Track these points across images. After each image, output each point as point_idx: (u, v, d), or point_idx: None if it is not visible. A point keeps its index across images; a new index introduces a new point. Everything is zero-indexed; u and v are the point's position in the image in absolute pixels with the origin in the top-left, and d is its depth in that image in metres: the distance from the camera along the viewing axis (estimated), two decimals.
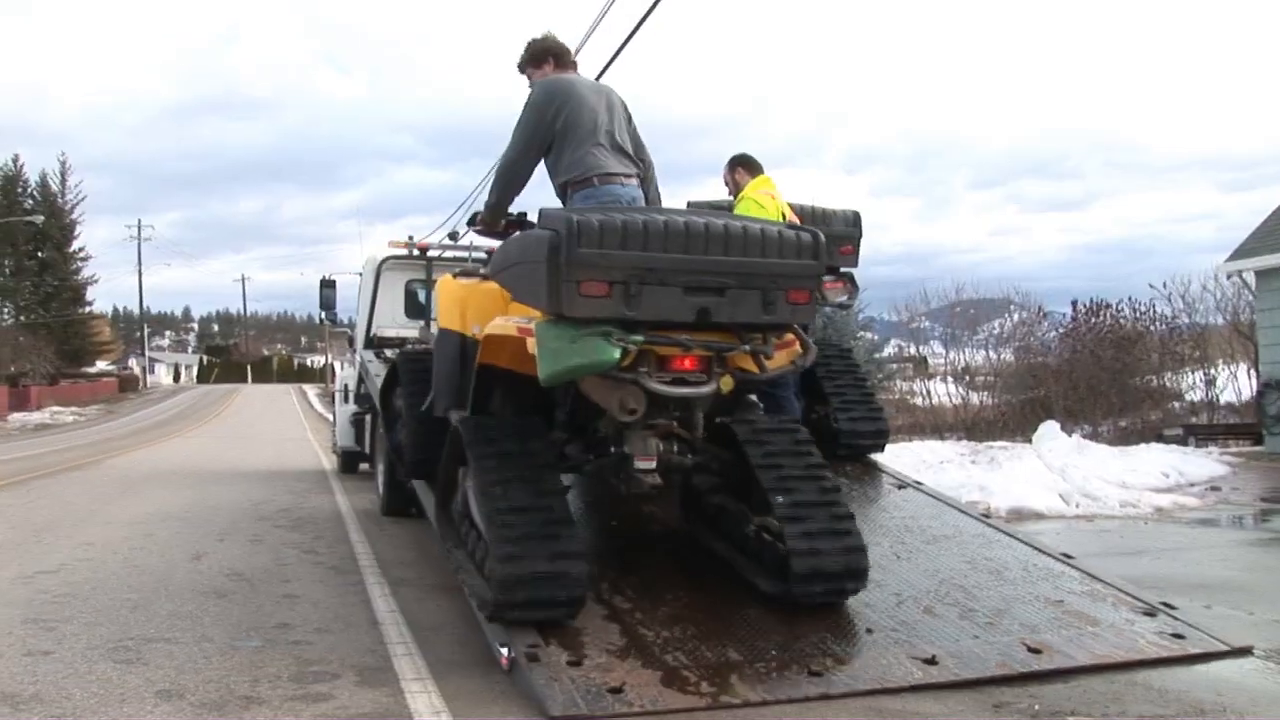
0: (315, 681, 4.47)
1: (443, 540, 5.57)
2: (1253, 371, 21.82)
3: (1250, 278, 19.13)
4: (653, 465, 4.91)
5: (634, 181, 5.61)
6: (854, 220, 7.78)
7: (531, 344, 4.38)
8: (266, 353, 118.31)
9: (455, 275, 6.04)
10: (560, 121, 5.49)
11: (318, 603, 6.05)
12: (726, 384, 4.65)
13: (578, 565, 4.55)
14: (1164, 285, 26.82)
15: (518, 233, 5.59)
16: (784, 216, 6.84)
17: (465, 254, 12.56)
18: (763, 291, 4.47)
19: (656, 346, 4.40)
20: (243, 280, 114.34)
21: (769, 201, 6.97)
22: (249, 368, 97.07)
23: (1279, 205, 19.15)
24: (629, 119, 5.77)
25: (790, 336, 4.75)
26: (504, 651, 4.45)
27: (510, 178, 5.65)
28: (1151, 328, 26.96)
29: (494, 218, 5.79)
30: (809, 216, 7.31)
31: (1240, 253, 18.83)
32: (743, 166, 7.33)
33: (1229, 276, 21.47)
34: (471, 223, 5.96)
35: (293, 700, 4.20)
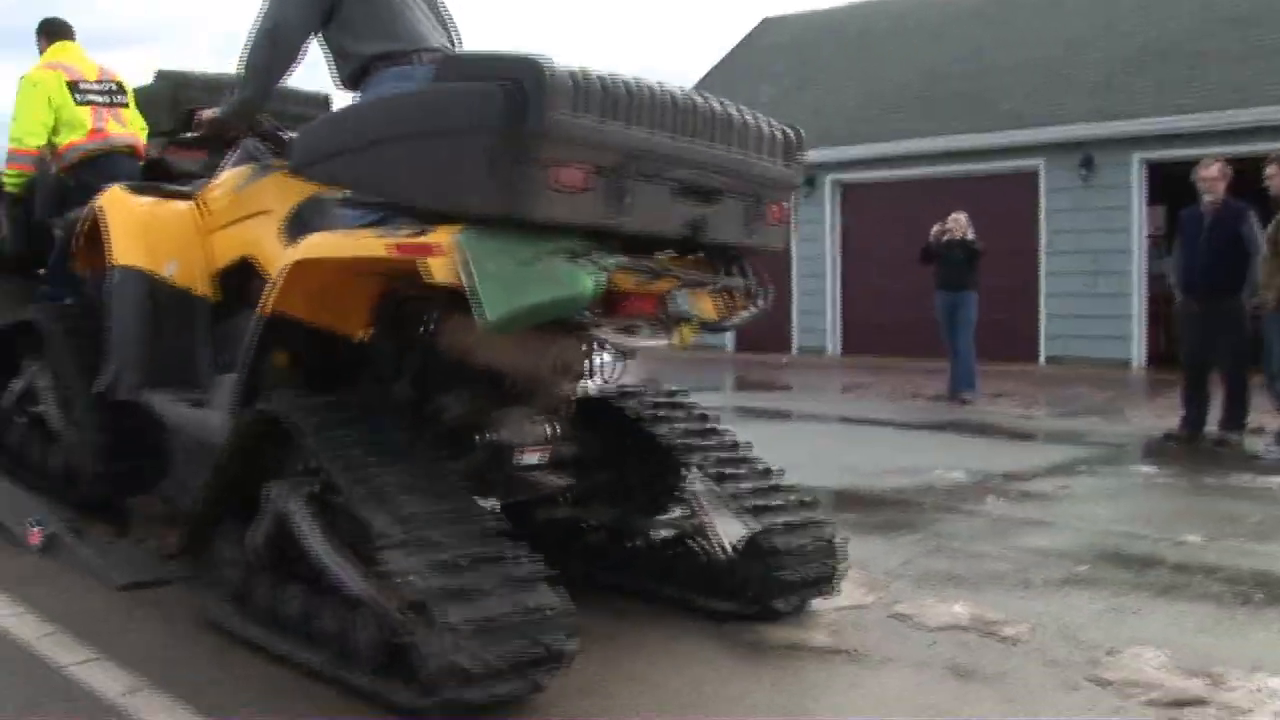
0: None
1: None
2: None
3: None
4: (544, 458, 3.54)
5: None
6: (325, 102, 5.78)
7: (441, 265, 2.79)
8: None
9: (125, 187, 4.40)
10: None
11: None
12: (686, 335, 3.23)
13: (558, 599, 2.86)
14: None
15: (251, 140, 3.98)
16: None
17: None
18: (750, 202, 3.22)
19: (627, 274, 2.95)
20: None
21: (51, 77, 5.43)
22: None
23: None
24: None
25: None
26: (36, 528, 4.30)
27: (273, 54, 3.65)
28: None
29: (244, 115, 3.85)
30: (215, 87, 5.40)
31: None
32: (44, 34, 5.75)
33: None
34: (190, 125, 4.07)
35: None
